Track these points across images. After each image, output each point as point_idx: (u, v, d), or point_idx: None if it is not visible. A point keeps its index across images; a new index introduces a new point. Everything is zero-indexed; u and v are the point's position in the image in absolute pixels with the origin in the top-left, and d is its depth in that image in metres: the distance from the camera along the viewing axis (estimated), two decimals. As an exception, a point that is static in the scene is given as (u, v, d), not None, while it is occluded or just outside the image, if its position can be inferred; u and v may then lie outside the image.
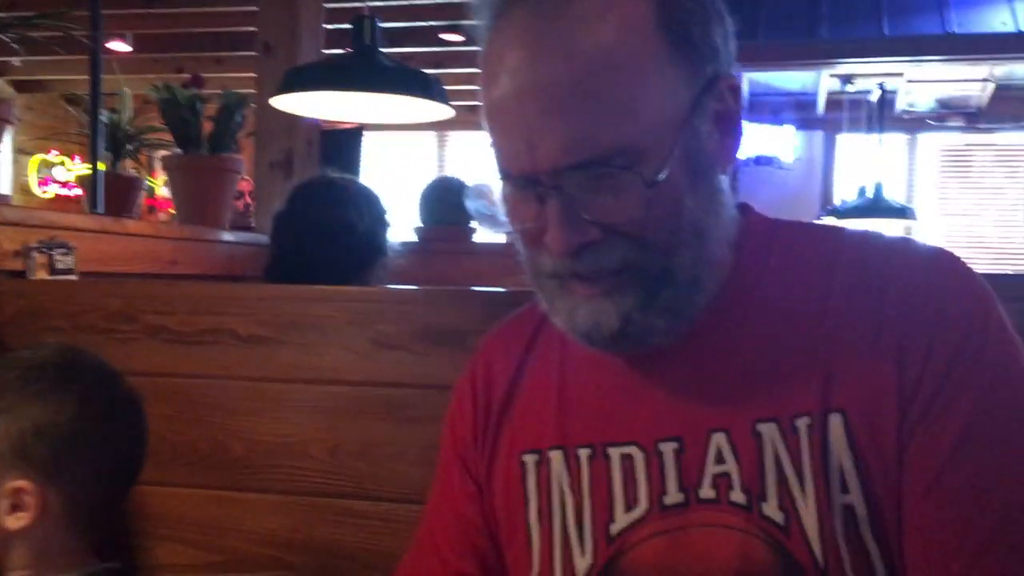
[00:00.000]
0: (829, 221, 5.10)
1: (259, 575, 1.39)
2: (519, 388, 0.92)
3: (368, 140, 4.32)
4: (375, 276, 1.92)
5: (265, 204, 3.37)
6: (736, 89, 0.81)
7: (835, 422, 0.77)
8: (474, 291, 1.43)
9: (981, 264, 5.37)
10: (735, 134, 0.82)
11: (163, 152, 3.46)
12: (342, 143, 3.94)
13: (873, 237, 0.87)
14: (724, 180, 0.83)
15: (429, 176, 4.25)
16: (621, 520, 0.82)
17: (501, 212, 0.80)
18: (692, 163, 0.77)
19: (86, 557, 1.16)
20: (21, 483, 1.10)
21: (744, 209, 0.89)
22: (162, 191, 3.85)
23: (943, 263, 0.81)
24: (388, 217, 1.99)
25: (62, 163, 7.07)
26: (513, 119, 0.76)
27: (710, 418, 0.81)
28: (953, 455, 0.74)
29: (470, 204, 0.79)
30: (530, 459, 0.89)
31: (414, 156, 7.74)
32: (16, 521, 1.10)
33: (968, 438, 0.74)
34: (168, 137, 3.10)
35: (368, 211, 1.93)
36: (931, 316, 0.77)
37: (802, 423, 0.77)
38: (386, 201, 2.01)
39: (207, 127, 3.05)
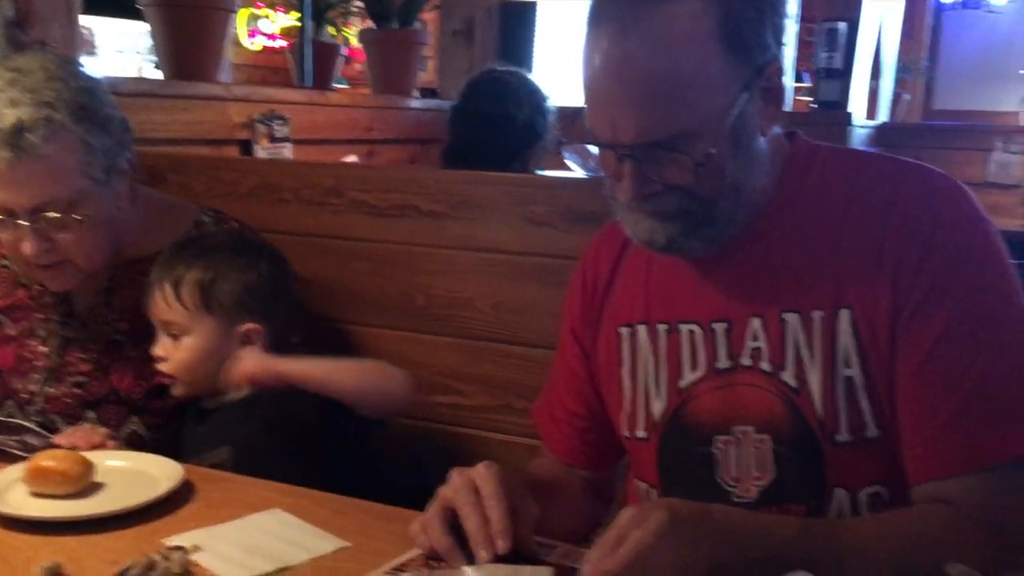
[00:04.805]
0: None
1: (438, 397, 1.79)
2: (616, 278, 1.23)
3: (546, 8, 4.51)
4: (534, 157, 2.23)
5: (447, 69, 3.70)
6: (779, 70, 1.04)
7: (843, 315, 1.03)
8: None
9: None
10: (777, 103, 1.06)
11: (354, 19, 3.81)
12: (518, 14, 4.16)
13: (892, 164, 1.10)
14: (762, 141, 1.06)
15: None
16: (687, 377, 1.13)
17: (591, 165, 1.08)
18: (735, 138, 1.02)
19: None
20: (251, 325, 1.50)
21: (791, 137, 1.13)
22: (354, 40, 4.24)
23: (944, 192, 1.05)
24: (547, 105, 2.27)
25: (266, 15, 7.60)
26: (602, 102, 1.02)
27: (750, 307, 1.09)
28: (934, 348, 1.00)
29: (569, 158, 1.07)
30: (624, 331, 1.20)
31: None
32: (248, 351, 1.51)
33: (946, 336, 1.00)
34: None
35: (528, 102, 2.22)
36: (924, 238, 1.01)
37: (817, 315, 1.05)
38: (546, 89, 2.29)
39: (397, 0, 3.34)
